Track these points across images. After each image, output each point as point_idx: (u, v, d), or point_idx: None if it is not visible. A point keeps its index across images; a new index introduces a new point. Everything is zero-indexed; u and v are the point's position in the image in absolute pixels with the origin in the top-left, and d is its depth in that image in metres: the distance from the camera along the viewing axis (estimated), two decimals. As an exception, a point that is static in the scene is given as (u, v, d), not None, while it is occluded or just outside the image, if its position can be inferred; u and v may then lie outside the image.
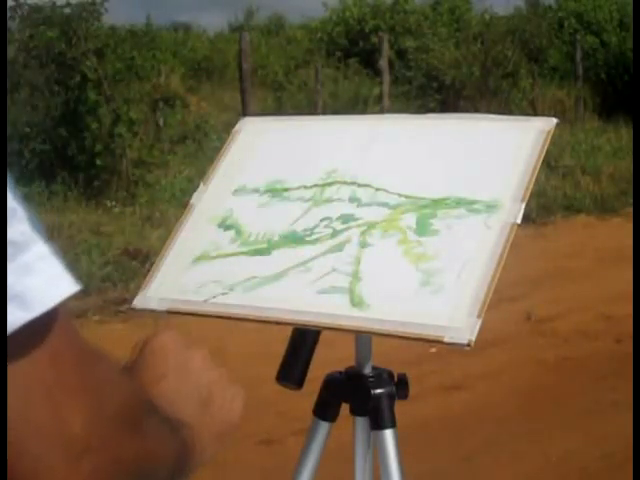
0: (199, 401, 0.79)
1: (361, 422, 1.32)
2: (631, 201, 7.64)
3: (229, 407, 0.81)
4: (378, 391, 1.29)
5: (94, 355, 0.56)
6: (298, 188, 1.28)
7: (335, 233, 1.19)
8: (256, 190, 1.30)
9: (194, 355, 0.81)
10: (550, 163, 8.84)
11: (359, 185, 1.24)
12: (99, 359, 0.57)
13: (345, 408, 1.33)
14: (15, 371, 0.49)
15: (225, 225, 1.26)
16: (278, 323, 1.12)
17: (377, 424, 1.29)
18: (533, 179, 1.13)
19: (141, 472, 0.60)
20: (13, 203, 0.48)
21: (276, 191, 1.28)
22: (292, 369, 1.23)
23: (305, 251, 1.18)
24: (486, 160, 1.19)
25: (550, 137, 1.17)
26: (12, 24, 8.04)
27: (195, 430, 0.73)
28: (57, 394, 0.51)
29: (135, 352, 0.76)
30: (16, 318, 0.47)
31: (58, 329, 0.51)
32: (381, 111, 10.34)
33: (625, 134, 10.78)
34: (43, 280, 0.49)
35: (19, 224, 0.48)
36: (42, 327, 0.49)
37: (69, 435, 0.52)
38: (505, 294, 4.63)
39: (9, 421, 0.49)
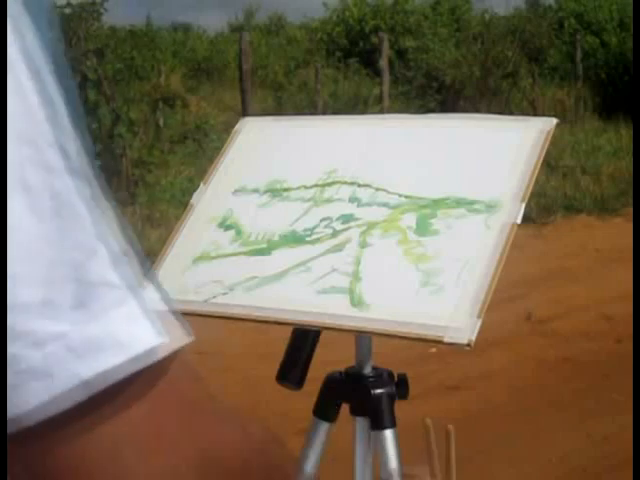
0: None
1: (361, 422, 1.32)
2: (631, 201, 7.64)
3: None
4: (378, 391, 1.29)
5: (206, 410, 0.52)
6: (298, 188, 1.27)
7: (335, 233, 1.19)
8: (256, 190, 1.30)
9: None
10: (550, 163, 8.85)
11: (359, 185, 1.24)
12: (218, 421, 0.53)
13: (345, 408, 1.33)
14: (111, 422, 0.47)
15: (225, 225, 1.26)
16: (278, 323, 1.12)
17: (377, 424, 1.29)
18: (533, 179, 1.13)
19: None
20: (125, 247, 0.47)
21: (276, 191, 1.28)
22: (292, 369, 1.23)
23: (305, 251, 1.18)
24: (486, 160, 1.19)
25: (550, 137, 1.17)
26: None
27: None
28: (154, 451, 0.48)
29: None
30: (119, 366, 0.46)
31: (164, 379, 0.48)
32: (381, 111, 10.34)
33: (625, 134, 10.79)
34: (151, 329, 0.47)
35: (131, 270, 0.47)
36: (146, 377, 0.47)
37: None
38: (505, 294, 4.62)
39: None
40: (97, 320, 0.45)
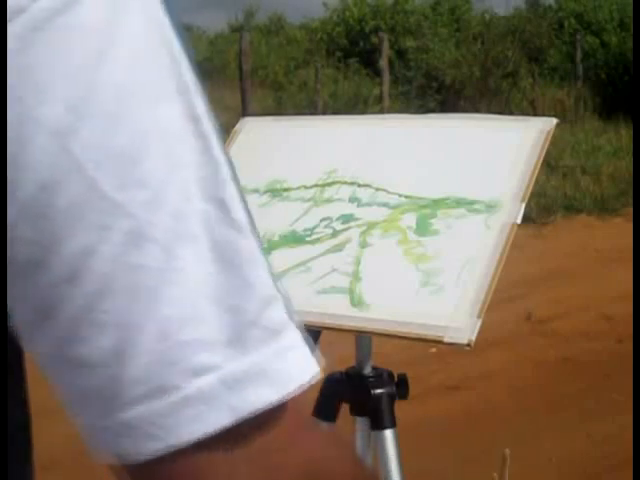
0: None
1: (361, 422, 1.32)
2: (631, 201, 7.64)
3: None
4: (378, 391, 1.29)
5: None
6: (298, 188, 1.28)
7: (335, 233, 1.19)
8: (256, 190, 1.30)
9: None
10: (550, 163, 8.84)
11: (359, 185, 1.24)
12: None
13: (345, 408, 1.33)
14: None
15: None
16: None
17: (377, 424, 1.29)
18: (533, 179, 1.13)
19: None
20: (274, 291, 0.51)
21: (276, 191, 1.28)
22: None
23: (305, 251, 1.18)
24: (486, 160, 1.19)
25: (550, 137, 1.17)
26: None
27: None
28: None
29: None
30: (267, 397, 0.49)
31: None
32: (381, 111, 10.34)
33: (625, 134, 10.79)
34: (296, 365, 0.51)
35: (279, 312, 0.51)
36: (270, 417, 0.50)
37: None
38: (505, 294, 4.62)
39: None
40: (249, 356, 0.49)
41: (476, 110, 10.61)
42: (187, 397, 0.48)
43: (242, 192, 0.51)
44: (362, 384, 1.30)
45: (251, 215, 0.52)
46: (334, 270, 1.14)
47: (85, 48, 0.46)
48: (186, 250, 0.48)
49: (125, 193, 0.47)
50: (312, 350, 0.52)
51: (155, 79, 0.50)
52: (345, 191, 1.24)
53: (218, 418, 0.49)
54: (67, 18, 0.46)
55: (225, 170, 0.51)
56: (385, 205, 1.20)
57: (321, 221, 1.22)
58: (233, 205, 0.50)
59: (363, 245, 1.16)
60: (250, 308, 0.49)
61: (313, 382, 0.51)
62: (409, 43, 13.67)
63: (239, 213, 0.50)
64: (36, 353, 0.50)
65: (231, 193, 0.50)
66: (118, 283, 0.47)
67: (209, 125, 0.51)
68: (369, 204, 1.21)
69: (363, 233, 1.17)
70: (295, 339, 0.51)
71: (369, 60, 13.49)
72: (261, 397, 0.49)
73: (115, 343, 0.47)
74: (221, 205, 0.49)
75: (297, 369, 0.51)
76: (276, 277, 0.52)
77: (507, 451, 1.21)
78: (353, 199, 1.23)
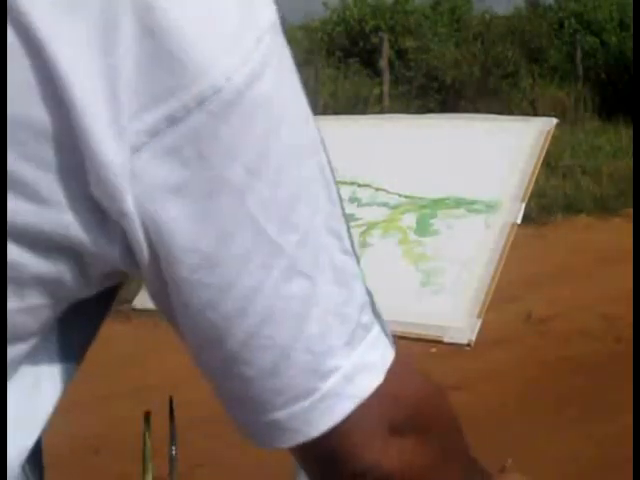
0: None
1: (361, 422, 1.32)
2: (631, 201, 7.64)
3: None
4: (378, 391, 1.29)
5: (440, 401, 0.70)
6: (298, 188, 1.27)
7: (335, 233, 1.19)
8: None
9: None
10: (550, 163, 8.84)
11: (359, 185, 1.24)
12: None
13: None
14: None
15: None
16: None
17: (377, 424, 1.29)
18: (533, 179, 1.13)
19: None
20: (366, 297, 0.63)
21: (276, 191, 1.28)
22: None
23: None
24: (486, 160, 1.19)
25: (550, 137, 1.17)
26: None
27: None
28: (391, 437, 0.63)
29: None
30: (372, 381, 0.61)
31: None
32: (381, 111, 10.34)
33: (625, 134, 10.78)
34: (384, 348, 0.62)
35: (369, 313, 0.62)
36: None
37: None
38: (505, 294, 4.62)
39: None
40: (357, 351, 0.60)
41: (476, 110, 10.61)
42: (323, 396, 0.59)
43: (346, 218, 0.62)
44: (362, 384, 1.30)
45: (351, 235, 0.62)
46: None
47: (266, 117, 0.55)
48: (320, 277, 0.58)
49: (284, 236, 0.56)
50: (387, 333, 0.63)
51: (304, 137, 0.60)
52: (345, 191, 1.24)
53: (344, 407, 0.60)
54: (252, 92, 0.54)
55: (339, 208, 0.60)
56: (385, 205, 1.20)
57: (321, 221, 1.22)
58: (344, 234, 0.60)
59: (363, 245, 1.16)
60: (354, 314, 0.61)
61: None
62: (409, 43, 13.67)
63: (348, 241, 0.61)
64: (200, 364, 0.60)
65: (344, 225, 0.61)
66: (277, 312, 0.57)
67: (329, 171, 0.61)
68: (369, 204, 1.21)
69: (363, 233, 1.17)
70: (378, 332, 0.62)
71: (369, 60, 13.48)
72: (370, 382, 0.61)
73: (273, 361, 0.57)
74: (338, 236, 0.60)
75: (384, 353, 0.62)
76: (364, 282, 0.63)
77: (509, 461, 1.20)
78: (353, 199, 1.23)
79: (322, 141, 0.63)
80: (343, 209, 0.61)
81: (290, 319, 0.57)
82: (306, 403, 0.59)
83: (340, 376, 0.59)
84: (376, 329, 0.62)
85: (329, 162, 0.62)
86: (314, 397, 0.59)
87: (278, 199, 0.55)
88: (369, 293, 0.64)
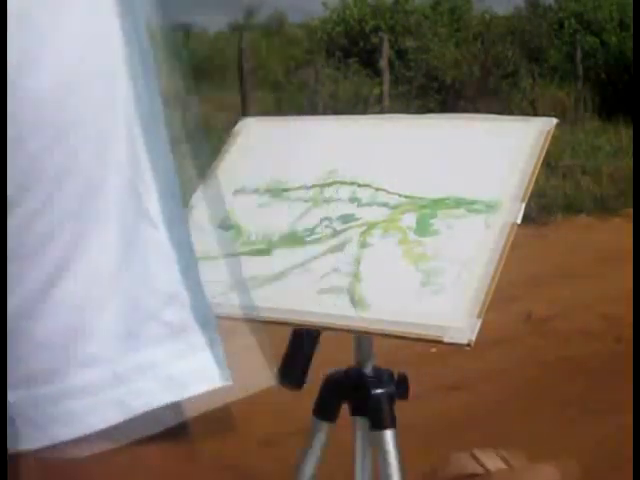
0: None
1: (361, 422, 1.32)
2: (631, 201, 7.63)
3: None
4: (378, 391, 1.29)
5: None
6: (298, 188, 1.28)
7: (335, 233, 1.19)
8: (256, 190, 1.30)
9: None
10: (550, 163, 8.84)
11: (359, 185, 1.24)
12: None
13: (345, 408, 1.33)
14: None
15: (225, 225, 1.26)
16: (278, 323, 1.12)
17: (377, 424, 1.29)
18: (533, 179, 1.13)
19: None
20: (180, 288, 0.49)
21: (276, 191, 1.28)
22: (292, 369, 1.23)
23: (305, 251, 1.18)
24: (486, 160, 1.19)
25: (550, 137, 1.17)
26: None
27: None
28: None
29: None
30: (157, 396, 0.47)
31: None
32: (381, 111, 10.33)
33: (625, 134, 10.78)
34: (191, 369, 0.48)
35: (181, 311, 0.49)
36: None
37: None
38: (505, 294, 4.61)
39: None
40: (143, 351, 0.47)
41: (476, 110, 10.60)
42: (75, 388, 0.46)
43: (170, 186, 0.50)
44: (362, 384, 1.30)
45: (178, 210, 0.50)
46: (334, 270, 1.14)
47: None
48: (94, 231, 0.46)
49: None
50: (219, 361, 0.49)
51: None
52: (345, 191, 1.24)
53: (107, 413, 0.46)
54: None
55: (145, 160, 0.49)
56: (385, 205, 1.20)
57: (321, 221, 1.22)
58: (147, 195, 0.48)
59: (363, 245, 1.16)
60: (151, 302, 0.48)
61: (213, 388, 0.49)
62: (409, 43, 13.66)
63: (152, 203, 0.48)
64: None
65: (147, 182, 0.49)
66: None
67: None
68: (369, 204, 1.21)
69: (363, 233, 1.17)
70: (198, 343, 0.49)
71: (369, 60, 13.47)
72: (153, 396, 0.47)
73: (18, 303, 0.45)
74: (134, 192, 0.48)
75: (194, 375, 0.48)
76: (196, 282, 0.50)
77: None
78: (353, 199, 1.23)
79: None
80: (160, 169, 0.50)
81: (45, 264, 0.45)
82: (48, 389, 0.46)
83: (108, 371, 0.47)
84: (193, 341, 0.49)
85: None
86: (65, 385, 0.46)
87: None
88: (196, 294, 0.50)
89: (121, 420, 0.46)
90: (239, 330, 0.50)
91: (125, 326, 0.47)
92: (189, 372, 0.48)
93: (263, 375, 0.48)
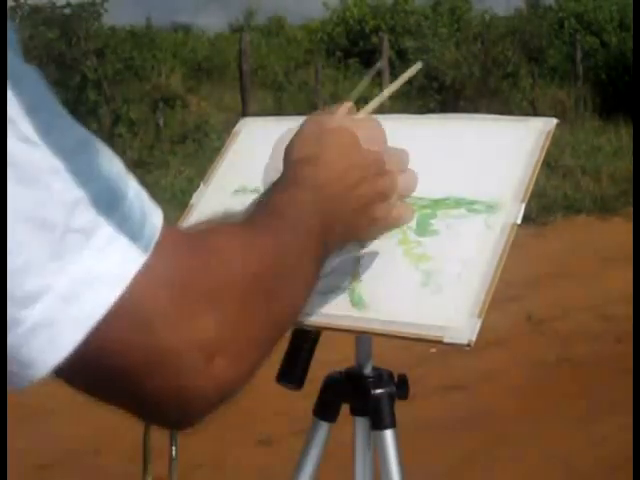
0: (353, 181, 0.82)
1: (361, 422, 1.32)
2: (631, 201, 7.63)
3: (381, 187, 0.87)
4: (378, 391, 1.29)
5: (206, 247, 0.59)
6: (298, 188, 1.27)
7: (335, 233, 1.19)
8: (256, 190, 1.29)
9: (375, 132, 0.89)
10: (550, 163, 8.84)
11: (359, 185, 1.24)
12: (215, 248, 0.60)
13: (345, 408, 1.33)
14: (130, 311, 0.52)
15: (225, 225, 1.26)
16: (278, 323, 1.12)
17: (377, 424, 1.29)
18: (534, 179, 1.13)
19: (285, 326, 0.66)
20: (78, 192, 0.50)
21: (276, 191, 1.28)
22: (292, 369, 1.23)
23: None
24: (486, 160, 1.19)
25: (550, 137, 1.17)
26: (12, 24, 8.02)
27: (336, 204, 0.77)
28: (186, 301, 0.54)
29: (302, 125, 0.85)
30: (106, 298, 0.50)
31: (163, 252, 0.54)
32: (381, 111, 10.31)
33: (625, 134, 10.78)
34: (115, 261, 0.51)
35: (86, 212, 0.51)
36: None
37: (205, 339, 0.55)
38: (505, 294, 4.62)
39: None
40: (75, 264, 0.50)
41: (476, 110, 10.60)
42: (35, 325, 0.49)
43: (40, 107, 0.51)
44: (362, 384, 1.30)
45: (52, 125, 0.51)
46: (334, 270, 1.14)
47: None
48: None
49: None
50: (136, 234, 0.52)
51: None
52: (345, 191, 1.24)
53: (69, 337, 0.50)
54: None
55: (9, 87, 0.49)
56: (385, 205, 1.19)
57: (321, 221, 1.21)
58: (20, 119, 0.49)
59: (363, 245, 1.15)
60: (58, 217, 0.49)
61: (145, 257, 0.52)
62: (409, 43, 13.66)
63: (31, 126, 0.49)
64: None
65: (19, 110, 0.49)
66: None
67: None
68: (369, 204, 1.21)
69: (363, 233, 1.17)
70: (109, 234, 0.51)
71: (369, 60, 13.48)
72: (103, 298, 0.50)
73: None
74: (11, 120, 0.48)
75: (121, 261, 0.51)
76: (87, 178, 0.51)
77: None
78: (353, 199, 1.23)
79: None
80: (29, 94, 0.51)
81: None
82: (13, 337, 0.48)
83: (53, 298, 0.49)
84: (105, 232, 0.51)
85: None
86: (23, 328, 0.49)
87: None
88: (94, 189, 0.51)
89: (85, 334, 0.49)
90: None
91: (49, 250, 0.49)
92: (123, 258, 0.51)
93: (138, 251, 0.55)
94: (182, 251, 0.56)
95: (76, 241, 0.50)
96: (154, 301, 0.53)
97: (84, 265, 0.50)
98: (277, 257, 0.66)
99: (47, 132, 0.50)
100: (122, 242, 0.52)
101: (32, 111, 0.50)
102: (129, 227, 0.52)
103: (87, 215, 0.51)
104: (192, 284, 0.55)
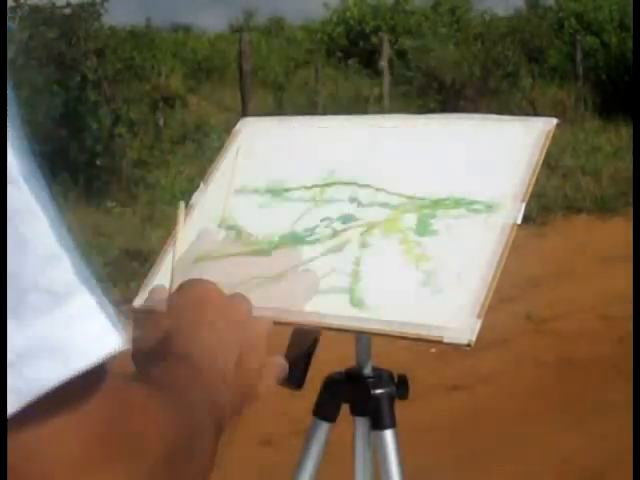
0: (237, 357, 0.77)
1: (361, 422, 1.32)
2: (631, 201, 7.63)
3: (259, 374, 0.83)
4: (378, 391, 1.29)
5: (133, 411, 0.51)
6: (298, 188, 1.27)
7: (335, 233, 1.19)
8: (256, 190, 1.29)
9: (239, 306, 0.82)
10: (550, 163, 8.84)
11: (359, 185, 1.24)
12: (141, 411, 0.52)
13: (345, 408, 1.33)
14: (41, 436, 0.44)
15: (225, 225, 1.26)
16: (278, 323, 1.11)
17: (377, 424, 1.29)
18: (534, 179, 1.13)
19: None
20: (57, 249, 0.45)
21: (276, 191, 1.28)
22: (292, 369, 1.23)
23: (305, 251, 1.18)
24: (486, 160, 1.19)
25: (551, 137, 1.17)
26: (12, 24, 8.04)
27: (229, 387, 0.73)
28: (85, 471, 0.46)
29: (172, 297, 0.77)
30: (52, 374, 0.43)
31: (94, 390, 0.47)
32: (381, 111, 10.33)
33: (625, 134, 10.78)
34: (86, 335, 0.45)
35: (64, 273, 0.45)
36: (77, 387, 0.45)
37: None
38: (505, 294, 4.62)
39: None
40: (29, 327, 0.43)
41: (476, 110, 10.60)
42: None
43: (24, 145, 0.45)
44: (362, 384, 1.30)
45: (36, 172, 0.46)
46: (334, 270, 1.14)
47: None
48: None
49: None
50: (113, 319, 0.46)
51: None
52: (345, 191, 1.24)
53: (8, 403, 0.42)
54: None
55: None
56: (385, 205, 1.19)
57: (321, 221, 1.21)
58: None
59: (363, 245, 1.15)
60: (27, 270, 0.43)
61: (114, 354, 0.45)
62: (409, 43, 13.66)
63: (9, 163, 0.43)
64: None
65: None
66: None
67: None
68: (369, 204, 1.21)
69: (363, 233, 1.17)
70: (86, 305, 0.45)
71: (369, 60, 13.49)
72: (49, 374, 0.43)
73: None
74: None
75: (88, 340, 0.44)
76: (66, 237, 0.45)
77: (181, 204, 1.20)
78: (353, 199, 1.23)
79: None
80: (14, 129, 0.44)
81: None
82: None
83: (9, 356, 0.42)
84: (81, 304, 0.45)
85: None
86: None
87: None
88: (71, 249, 0.45)
89: (17, 409, 0.42)
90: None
91: (10, 303, 0.42)
92: (81, 338, 0.44)
93: (112, 338, 0.43)
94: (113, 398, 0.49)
95: (42, 302, 0.43)
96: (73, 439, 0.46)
97: (44, 331, 0.43)
98: (182, 433, 0.58)
99: (36, 178, 0.46)
100: (98, 319, 0.45)
101: (18, 151, 0.45)
102: (109, 312, 0.46)
103: (63, 276, 0.45)
104: (111, 438, 0.48)
